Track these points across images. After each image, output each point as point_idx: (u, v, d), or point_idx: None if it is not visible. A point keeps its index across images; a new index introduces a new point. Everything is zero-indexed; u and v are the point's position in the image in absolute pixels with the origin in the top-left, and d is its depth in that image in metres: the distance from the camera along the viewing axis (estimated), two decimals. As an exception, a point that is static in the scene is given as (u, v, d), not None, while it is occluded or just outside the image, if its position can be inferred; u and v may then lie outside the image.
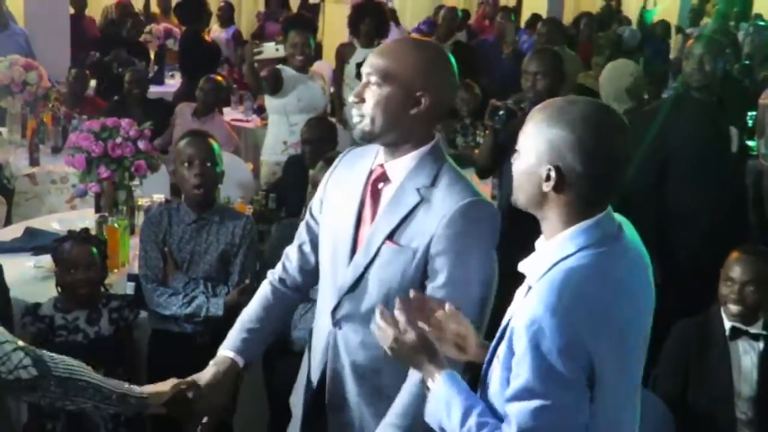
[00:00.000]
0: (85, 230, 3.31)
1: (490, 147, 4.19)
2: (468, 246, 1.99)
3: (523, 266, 1.82)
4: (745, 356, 3.03)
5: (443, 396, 1.81)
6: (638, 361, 1.81)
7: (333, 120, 5.68)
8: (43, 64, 6.12)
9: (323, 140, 4.44)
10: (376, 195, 2.11)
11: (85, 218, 4.17)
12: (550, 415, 1.66)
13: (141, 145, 4.00)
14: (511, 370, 1.71)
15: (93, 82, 7.09)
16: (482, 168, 4.38)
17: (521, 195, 1.81)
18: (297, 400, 2.36)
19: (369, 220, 2.11)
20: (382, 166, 2.10)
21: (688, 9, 14.41)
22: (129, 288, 3.41)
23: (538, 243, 1.84)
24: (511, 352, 1.71)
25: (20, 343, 1.96)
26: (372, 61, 2.03)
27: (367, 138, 2.06)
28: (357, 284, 2.10)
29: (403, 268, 2.03)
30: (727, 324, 3.04)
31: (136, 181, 4.14)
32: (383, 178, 2.10)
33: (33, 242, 4.04)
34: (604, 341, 1.66)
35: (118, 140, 3.93)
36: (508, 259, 3.06)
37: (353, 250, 2.12)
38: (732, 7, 14.41)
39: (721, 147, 3.99)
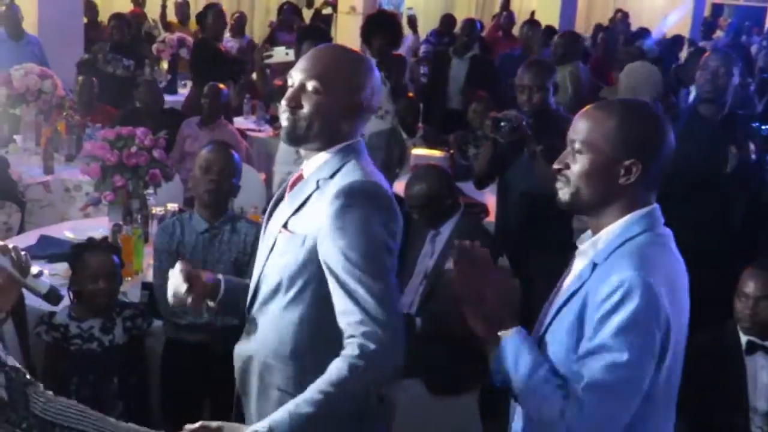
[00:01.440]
0: (105, 239, 3.33)
1: (489, 158, 4.22)
2: (354, 222, 1.94)
3: (582, 249, 1.96)
4: (762, 371, 3.01)
5: (514, 347, 1.89)
6: (681, 358, 1.92)
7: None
8: (56, 73, 6.15)
9: None
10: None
11: (98, 227, 4.19)
12: (620, 371, 1.75)
13: (155, 154, 4.02)
14: (579, 336, 1.82)
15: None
16: (480, 178, 4.42)
17: (587, 191, 1.90)
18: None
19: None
20: (301, 168, 2.15)
21: (700, 23, 14.46)
22: (142, 296, 3.43)
23: (585, 234, 1.99)
24: (579, 321, 1.83)
25: (11, 362, 1.81)
26: None
27: None
28: (261, 274, 2.14)
29: (295, 254, 2.03)
30: (743, 338, 3.03)
31: (150, 190, 4.15)
32: (300, 178, 2.13)
33: (47, 250, 4.06)
34: (675, 310, 1.81)
35: (133, 149, 3.95)
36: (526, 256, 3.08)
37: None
38: (744, 21, 14.44)
39: (712, 169, 3.98)
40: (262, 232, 2.29)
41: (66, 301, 3.15)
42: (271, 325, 2.11)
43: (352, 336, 1.90)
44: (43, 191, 5.22)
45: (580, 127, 1.92)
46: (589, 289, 1.84)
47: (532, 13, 13.16)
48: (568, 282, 1.98)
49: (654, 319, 1.77)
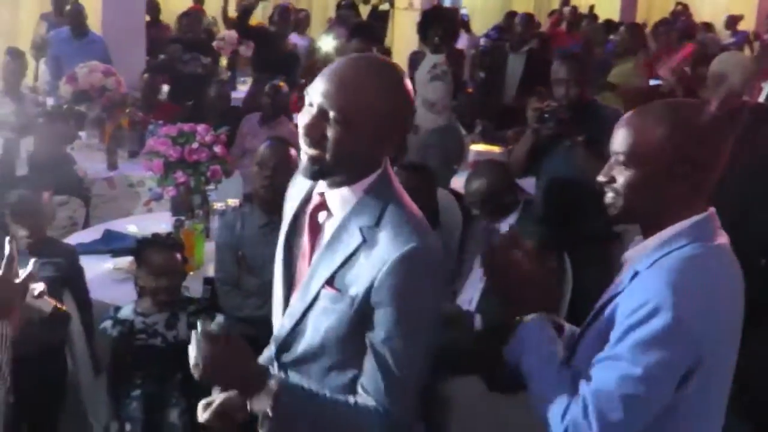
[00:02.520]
0: (169, 235, 3.37)
1: (529, 149, 4.22)
2: (410, 299, 1.75)
3: (629, 254, 1.88)
4: None
5: (527, 334, 1.88)
6: (731, 367, 1.84)
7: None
8: (119, 71, 6.25)
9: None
10: (315, 228, 1.89)
11: (161, 221, 4.25)
12: (631, 385, 1.69)
13: (216, 150, 4.06)
14: (606, 341, 1.76)
15: (166, 87, 7.23)
16: (519, 168, 4.39)
17: (638, 204, 1.82)
18: None
19: (306, 254, 1.91)
20: (322, 195, 1.86)
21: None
22: (204, 291, 3.47)
23: (638, 238, 1.91)
24: (607, 328, 1.77)
25: None
26: None
27: None
28: (295, 330, 1.90)
29: (342, 317, 1.78)
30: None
31: (211, 186, 4.19)
32: (323, 208, 1.87)
33: (111, 244, 4.14)
34: (712, 333, 1.71)
35: (195, 145, 4.00)
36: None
37: (288, 289, 1.98)
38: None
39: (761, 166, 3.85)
40: (279, 258, 2.04)
41: (131, 294, 3.22)
42: (310, 385, 1.87)
43: (368, 396, 1.80)
44: (107, 187, 5.32)
45: (623, 138, 1.81)
46: (625, 298, 1.78)
47: (591, 8, 13.03)
48: (612, 287, 1.93)
49: (678, 340, 1.68)
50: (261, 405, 1.74)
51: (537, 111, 4.02)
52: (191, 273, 3.63)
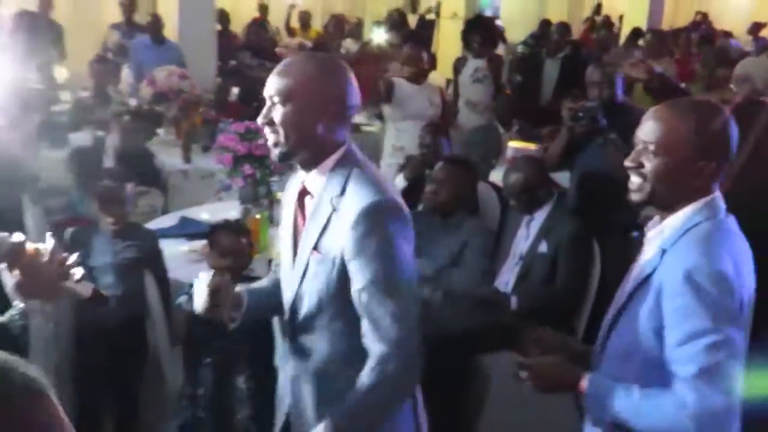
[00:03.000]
0: (238, 221, 3.40)
1: (564, 145, 4.23)
2: (377, 245, 1.81)
3: (652, 234, 1.92)
4: None
5: (598, 392, 1.84)
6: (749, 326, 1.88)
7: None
8: (193, 75, 6.30)
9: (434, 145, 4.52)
10: (303, 209, 1.99)
11: (230, 209, 4.28)
12: (724, 348, 1.70)
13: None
14: (659, 319, 1.78)
15: (235, 89, 7.28)
16: (554, 163, 4.38)
17: (664, 190, 1.86)
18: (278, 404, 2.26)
19: (300, 232, 2.00)
20: (303, 182, 1.97)
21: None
22: (268, 271, 3.49)
23: (653, 221, 1.95)
24: (657, 305, 1.78)
25: None
26: None
27: None
28: (297, 297, 1.98)
29: (328, 276, 1.88)
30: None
31: (275, 178, 4.21)
32: (306, 192, 1.97)
33: (186, 229, 4.19)
34: (741, 284, 1.77)
35: (260, 141, 4.01)
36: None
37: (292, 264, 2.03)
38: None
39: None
40: (285, 246, 2.09)
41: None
42: (320, 337, 1.98)
43: (372, 351, 1.86)
44: (182, 178, 5.39)
45: (654, 128, 1.85)
46: (663, 275, 1.80)
47: (621, 17, 12.83)
48: (638, 268, 1.94)
49: (730, 296, 1.73)
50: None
51: (572, 111, 4.01)
52: (257, 256, 3.67)
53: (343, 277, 1.86)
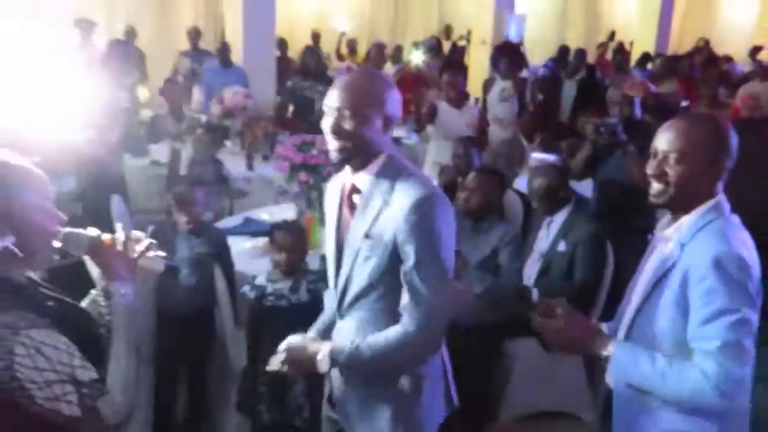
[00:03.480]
0: (294, 221, 3.43)
1: (587, 156, 4.30)
2: (424, 233, 1.86)
3: (669, 232, 1.93)
4: None
5: (626, 356, 1.83)
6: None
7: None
8: (255, 94, 6.36)
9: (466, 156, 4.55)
10: (351, 205, 2.00)
11: (287, 211, 4.32)
12: (744, 326, 1.73)
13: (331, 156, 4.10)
14: (685, 306, 1.78)
15: (291, 107, 7.34)
16: (578, 173, 4.42)
17: (685, 193, 1.88)
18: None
19: (348, 224, 2.00)
20: (352, 182, 1.99)
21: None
22: (320, 265, 3.51)
23: (664, 221, 1.99)
24: (683, 293, 1.79)
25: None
26: None
27: None
28: (348, 280, 1.99)
29: (381, 258, 1.91)
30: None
31: (327, 183, 4.22)
32: (355, 190, 1.98)
33: (249, 228, 4.24)
34: (756, 274, 1.80)
35: (314, 152, 4.03)
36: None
37: (339, 252, 2.03)
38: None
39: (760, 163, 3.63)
40: (328, 236, 2.11)
41: (265, 267, 3.29)
42: (367, 314, 2.00)
43: (403, 319, 1.90)
44: (246, 184, 5.43)
45: (674, 139, 1.87)
46: (686, 266, 1.80)
47: (632, 43, 12.68)
48: (656, 262, 1.93)
49: (749, 280, 1.75)
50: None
51: (595, 126, 4.05)
52: (310, 251, 3.70)
53: (394, 258, 1.89)
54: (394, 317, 1.94)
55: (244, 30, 7.95)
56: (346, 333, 2.03)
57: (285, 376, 3.11)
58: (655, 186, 1.90)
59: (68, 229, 1.60)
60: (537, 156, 5.68)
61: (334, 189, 2.11)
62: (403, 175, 1.92)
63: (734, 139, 1.89)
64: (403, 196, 1.87)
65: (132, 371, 1.56)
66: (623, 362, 1.83)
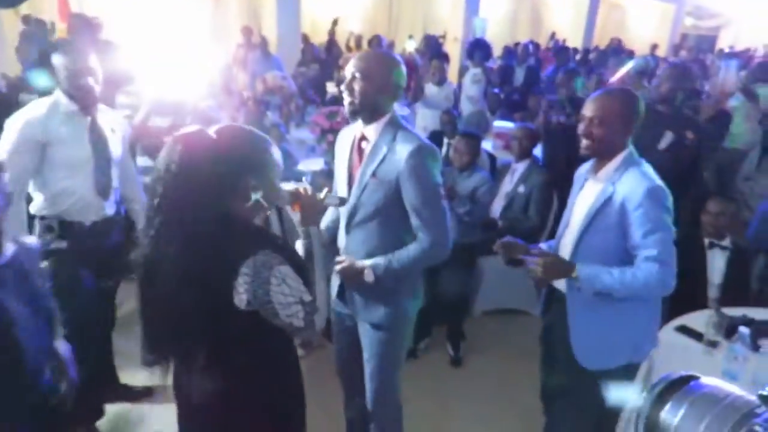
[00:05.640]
0: (330, 171, 3.38)
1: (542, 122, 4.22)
2: (422, 173, 1.82)
3: (599, 177, 1.89)
4: (716, 259, 2.85)
5: (589, 274, 1.80)
6: None
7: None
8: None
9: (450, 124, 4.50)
10: (360, 151, 1.94)
11: (315, 164, 4.28)
12: (671, 236, 1.76)
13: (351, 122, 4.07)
14: (625, 228, 1.77)
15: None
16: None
17: (604, 145, 1.86)
18: (333, 281, 2.13)
19: (357, 164, 1.94)
20: (361, 132, 1.93)
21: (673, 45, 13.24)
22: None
23: (591, 166, 1.94)
24: (622, 217, 1.78)
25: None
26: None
27: None
28: (356, 206, 1.93)
29: (385, 193, 1.86)
30: (706, 240, 2.87)
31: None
32: (364, 138, 1.92)
33: (287, 175, 4.20)
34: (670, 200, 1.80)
35: (339, 119, 4.01)
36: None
37: (349, 185, 1.96)
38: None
39: (652, 144, 3.42)
40: (339, 168, 2.02)
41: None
42: (373, 234, 1.94)
43: (419, 235, 1.89)
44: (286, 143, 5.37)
45: (596, 107, 1.85)
46: (621, 198, 1.79)
47: (565, 40, 12.45)
48: (591, 198, 1.89)
49: (669, 204, 1.78)
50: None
51: (547, 102, 3.98)
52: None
53: (396, 193, 1.86)
54: (391, 233, 1.92)
55: (278, 28, 7.77)
56: (354, 245, 1.98)
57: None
58: (585, 142, 1.88)
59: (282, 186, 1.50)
60: (498, 124, 5.65)
61: (346, 136, 2.03)
62: (403, 129, 1.88)
63: (641, 105, 1.87)
64: (403, 146, 1.83)
65: (322, 297, 1.48)
66: (589, 278, 1.81)
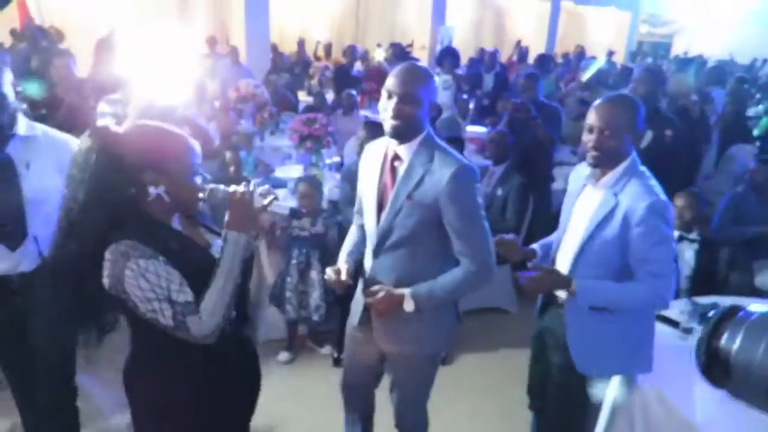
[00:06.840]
0: (313, 176, 3.42)
1: (507, 124, 4.19)
2: (463, 197, 1.72)
3: (601, 184, 1.86)
4: (685, 251, 2.96)
5: (586, 289, 1.77)
6: None
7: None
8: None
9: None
10: (393, 170, 1.81)
11: (293, 171, 4.28)
12: (672, 253, 1.75)
13: (330, 129, 4.09)
14: (627, 240, 1.73)
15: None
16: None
17: (612, 155, 1.81)
18: (355, 307, 2.05)
19: (389, 185, 1.81)
20: (394, 151, 1.80)
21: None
22: (328, 206, 3.51)
23: (593, 172, 1.89)
24: (625, 230, 1.75)
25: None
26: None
27: None
28: (389, 229, 1.81)
29: (422, 216, 1.75)
30: (676, 233, 2.98)
31: (325, 149, 4.19)
32: (397, 158, 1.80)
33: (267, 182, 4.19)
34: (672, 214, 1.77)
35: (316, 126, 4.03)
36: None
37: (379, 207, 1.84)
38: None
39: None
40: (367, 189, 1.89)
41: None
42: (402, 260, 1.82)
43: (463, 260, 1.78)
44: (259, 151, 5.35)
45: (606, 118, 1.79)
46: (625, 211, 1.74)
47: (527, 47, 12.75)
48: (594, 207, 1.83)
49: (670, 218, 1.74)
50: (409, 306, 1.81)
51: (514, 105, 4.01)
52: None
53: (433, 216, 1.75)
54: (420, 260, 1.81)
55: (247, 37, 7.75)
56: (382, 270, 1.86)
57: (306, 291, 3.11)
58: (593, 153, 1.81)
59: (212, 185, 1.48)
60: (470, 129, 5.75)
61: (375, 154, 1.89)
62: (439, 149, 1.75)
63: (642, 111, 1.84)
64: (443, 167, 1.72)
65: (222, 302, 1.40)
66: (587, 292, 1.77)
